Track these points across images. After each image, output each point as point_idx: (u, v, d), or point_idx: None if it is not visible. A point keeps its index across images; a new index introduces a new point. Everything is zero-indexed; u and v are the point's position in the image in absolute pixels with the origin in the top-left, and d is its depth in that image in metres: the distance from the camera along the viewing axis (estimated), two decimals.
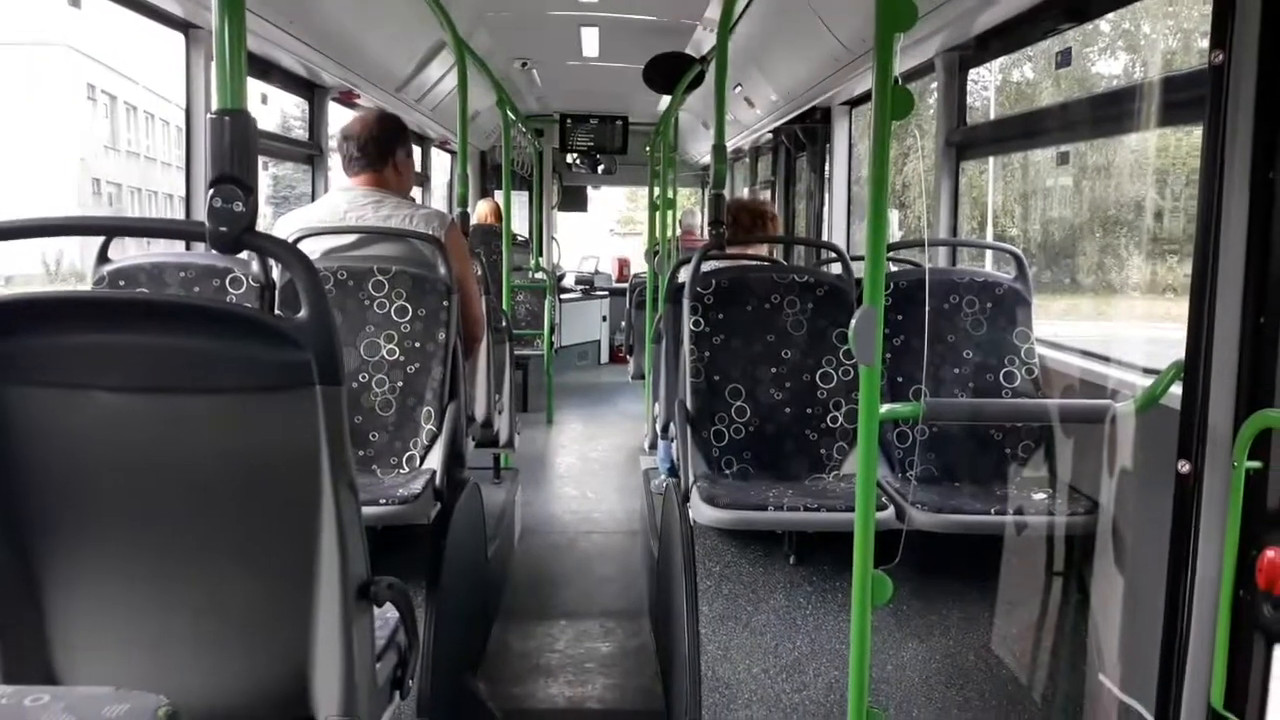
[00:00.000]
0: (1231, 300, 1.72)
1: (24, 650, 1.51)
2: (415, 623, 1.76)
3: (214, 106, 1.44)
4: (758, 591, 3.00)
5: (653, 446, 4.58)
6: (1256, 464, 1.67)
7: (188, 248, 3.36)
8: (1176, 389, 1.89)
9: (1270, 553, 1.62)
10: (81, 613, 1.51)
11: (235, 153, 1.41)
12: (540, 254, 8.81)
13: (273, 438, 1.43)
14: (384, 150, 3.13)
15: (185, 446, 1.43)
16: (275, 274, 3.03)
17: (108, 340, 1.39)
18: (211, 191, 1.40)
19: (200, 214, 1.42)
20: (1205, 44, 1.75)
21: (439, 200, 8.21)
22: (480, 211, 7.88)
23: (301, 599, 1.47)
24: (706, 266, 3.36)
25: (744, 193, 9.36)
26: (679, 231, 7.30)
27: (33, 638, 1.50)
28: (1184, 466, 1.79)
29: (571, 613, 4.03)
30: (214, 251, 1.45)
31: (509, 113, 6.44)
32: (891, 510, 2.73)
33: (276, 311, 2.88)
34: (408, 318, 2.97)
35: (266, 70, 4.31)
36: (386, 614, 1.78)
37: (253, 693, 1.54)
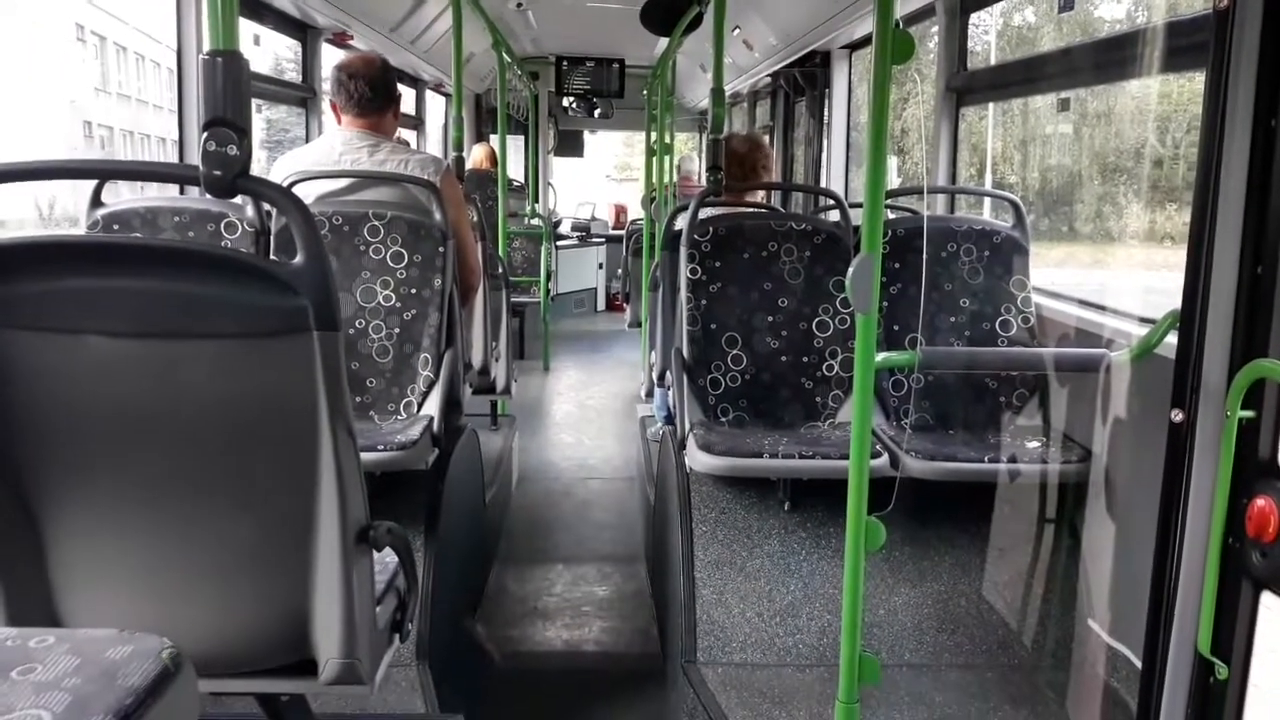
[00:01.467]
0: (1229, 250, 1.71)
1: (28, 593, 1.52)
2: (414, 567, 1.77)
3: (205, 48, 1.42)
4: (752, 537, 3.03)
5: (649, 394, 4.59)
6: (1249, 413, 1.68)
7: (181, 191, 3.33)
8: (1172, 338, 1.90)
9: (1260, 501, 1.64)
10: (83, 557, 1.52)
11: (228, 95, 1.39)
12: (536, 200, 8.75)
13: (270, 383, 1.43)
14: (390, 95, 3.10)
15: (182, 392, 1.43)
16: (271, 219, 3.01)
17: (103, 285, 1.38)
18: (205, 135, 1.38)
19: (194, 158, 1.41)
20: None
21: (434, 144, 8.13)
22: (476, 156, 7.81)
23: (301, 543, 1.49)
24: (704, 213, 3.34)
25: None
26: (676, 178, 7.25)
27: (36, 581, 1.52)
28: (1177, 415, 1.79)
29: (568, 557, 4.07)
30: (208, 196, 1.44)
31: (504, 55, 6.35)
32: (886, 458, 2.75)
33: (272, 256, 2.87)
34: (404, 264, 2.96)
35: (259, 10, 4.25)
36: (386, 558, 1.79)
37: (254, 636, 1.56)
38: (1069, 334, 3.07)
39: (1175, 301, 1.85)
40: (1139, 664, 1.84)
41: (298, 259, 1.39)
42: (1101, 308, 3.00)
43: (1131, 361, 2.24)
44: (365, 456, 1.59)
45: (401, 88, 3.42)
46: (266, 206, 3.01)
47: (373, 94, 3.06)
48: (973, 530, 2.98)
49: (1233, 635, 1.73)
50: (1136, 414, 2.33)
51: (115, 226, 2.97)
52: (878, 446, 2.77)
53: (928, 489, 2.77)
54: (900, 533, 2.96)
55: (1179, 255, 1.83)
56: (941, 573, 2.92)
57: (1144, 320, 2.63)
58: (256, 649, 1.57)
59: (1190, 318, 1.77)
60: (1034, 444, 2.97)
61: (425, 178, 3.02)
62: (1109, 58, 2.95)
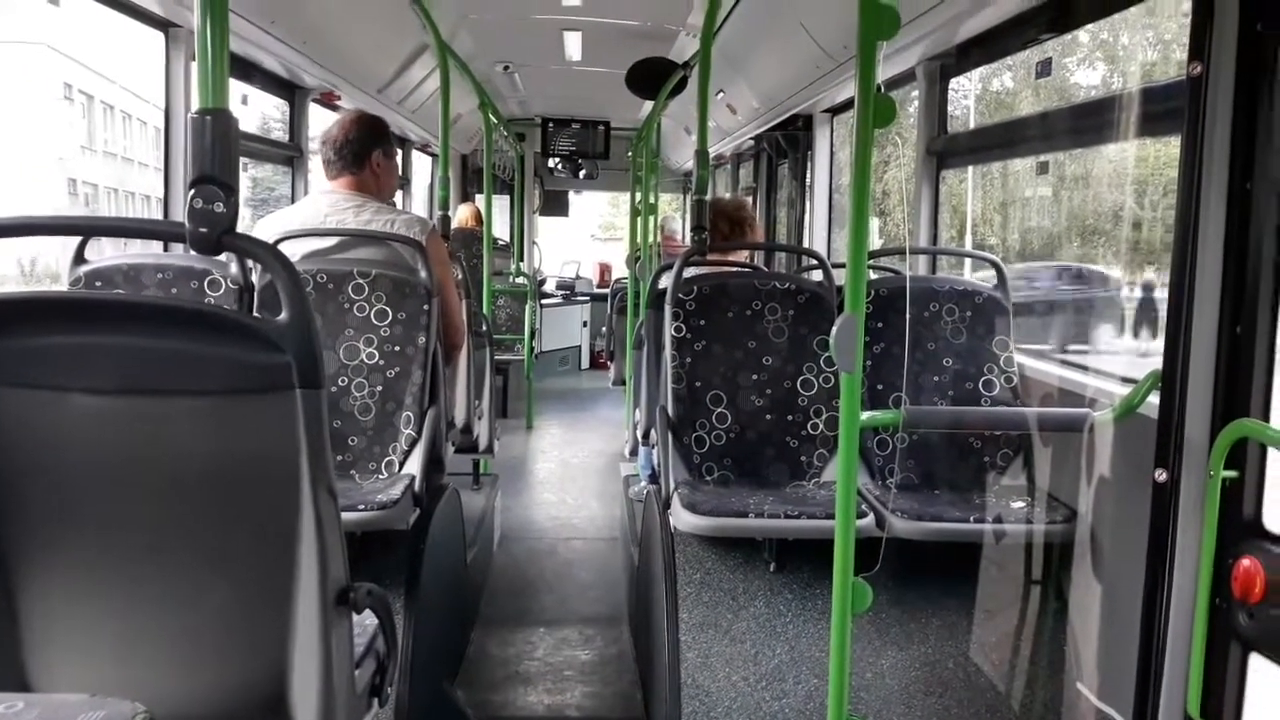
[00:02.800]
0: (1209, 310, 1.73)
1: None
2: (394, 629, 1.74)
3: (194, 106, 1.42)
4: (738, 599, 3.00)
5: (633, 453, 4.58)
6: (1232, 473, 1.68)
7: (165, 249, 3.33)
8: (1154, 398, 1.91)
9: (1246, 561, 1.63)
10: (57, 617, 1.49)
11: (216, 153, 1.39)
12: (521, 258, 8.80)
13: (252, 441, 1.42)
14: (360, 153, 3.11)
15: (164, 449, 1.42)
16: (254, 276, 3.01)
17: (86, 341, 1.37)
18: (192, 192, 1.38)
19: (179, 215, 1.41)
20: (1183, 55, 1.77)
21: (420, 203, 8.18)
22: (461, 215, 7.86)
23: (280, 604, 1.46)
24: (688, 272, 3.36)
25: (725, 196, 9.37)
26: (660, 237, 7.31)
27: (6, 642, 1.48)
28: (1161, 475, 1.80)
29: (551, 620, 4.02)
30: (192, 253, 1.44)
31: (491, 116, 6.42)
32: (871, 518, 2.74)
33: (255, 313, 2.86)
34: (388, 321, 2.96)
35: (247, 71, 4.29)
36: (365, 620, 1.76)
37: (231, 699, 1.52)
38: (1052, 394, 3.08)
39: (1156, 362, 1.87)
40: None
41: (282, 316, 1.38)
42: (1084, 368, 3.02)
43: (1114, 421, 2.25)
44: (346, 516, 1.57)
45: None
46: (250, 263, 3.01)
47: (337, 156, 3.11)
48: (959, 591, 2.95)
49: (1222, 697, 1.72)
50: (1120, 474, 2.33)
51: (98, 283, 2.96)
52: (863, 506, 2.75)
53: (914, 549, 2.75)
54: (887, 594, 2.94)
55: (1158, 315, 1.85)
56: (929, 635, 2.89)
57: (1126, 380, 2.65)
58: (232, 711, 1.53)
59: (1172, 378, 1.78)
60: (1019, 504, 2.96)
61: (411, 236, 3.04)
62: (1086, 123, 3.01)
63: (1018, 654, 2.79)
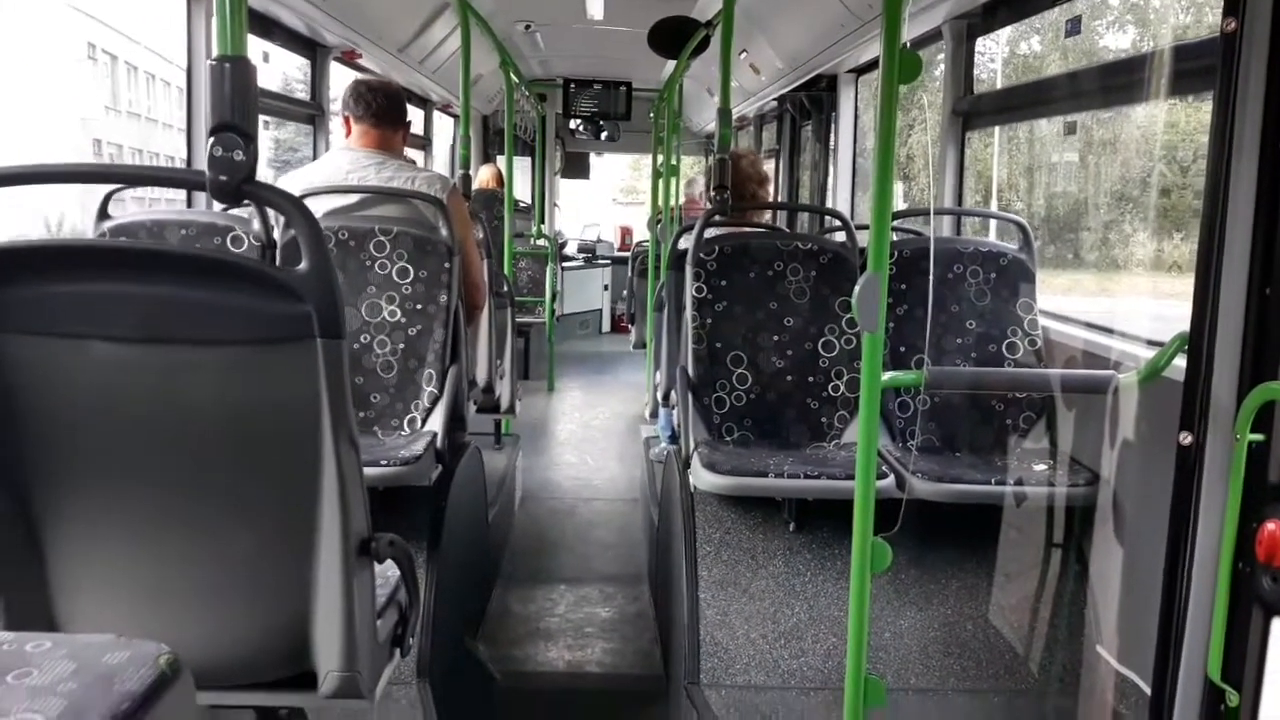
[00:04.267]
0: (1237, 272, 1.71)
1: (26, 598, 1.51)
2: (416, 581, 1.76)
3: (214, 54, 1.42)
4: (757, 558, 3.01)
5: (653, 415, 4.59)
6: (1259, 436, 1.66)
7: (189, 204, 3.34)
8: (1180, 361, 1.88)
9: (1270, 525, 1.62)
10: (83, 562, 1.51)
11: (235, 100, 1.39)
12: (542, 221, 8.78)
13: (273, 390, 1.42)
14: (395, 116, 3.13)
15: (185, 398, 1.42)
16: (276, 232, 3.02)
17: (107, 289, 1.38)
18: (212, 140, 1.38)
19: (201, 165, 1.41)
20: (1216, 18, 1.73)
21: (441, 163, 8.16)
22: (482, 176, 7.84)
23: (302, 553, 1.47)
24: (709, 233, 3.34)
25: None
26: (682, 200, 7.27)
27: (35, 586, 1.51)
28: (1185, 438, 1.78)
29: (572, 578, 4.05)
30: (216, 209, 1.44)
31: (512, 76, 6.38)
32: (892, 479, 2.74)
33: None
34: (409, 279, 2.96)
35: (268, 28, 4.27)
36: (388, 572, 1.78)
37: (254, 645, 1.55)
38: (1076, 357, 3.06)
39: (1181, 328, 1.85)
40: (1148, 690, 1.82)
41: (302, 265, 1.38)
42: (1109, 330, 2.99)
43: (1139, 384, 2.23)
44: (368, 471, 1.58)
45: (410, 108, 3.45)
46: (272, 219, 3.02)
47: (389, 106, 3.08)
48: (979, 553, 2.95)
49: (1244, 662, 1.71)
50: (1144, 437, 2.31)
51: (122, 239, 2.98)
52: (883, 467, 2.75)
53: (934, 511, 2.75)
54: (906, 555, 2.94)
55: (1185, 284, 1.82)
56: (948, 596, 2.90)
57: (1151, 343, 2.62)
58: (256, 661, 1.55)
59: (1199, 340, 1.76)
60: (1041, 467, 2.95)
61: (432, 194, 3.03)
62: (1115, 82, 2.96)
63: (1037, 616, 2.79)
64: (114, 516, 1.48)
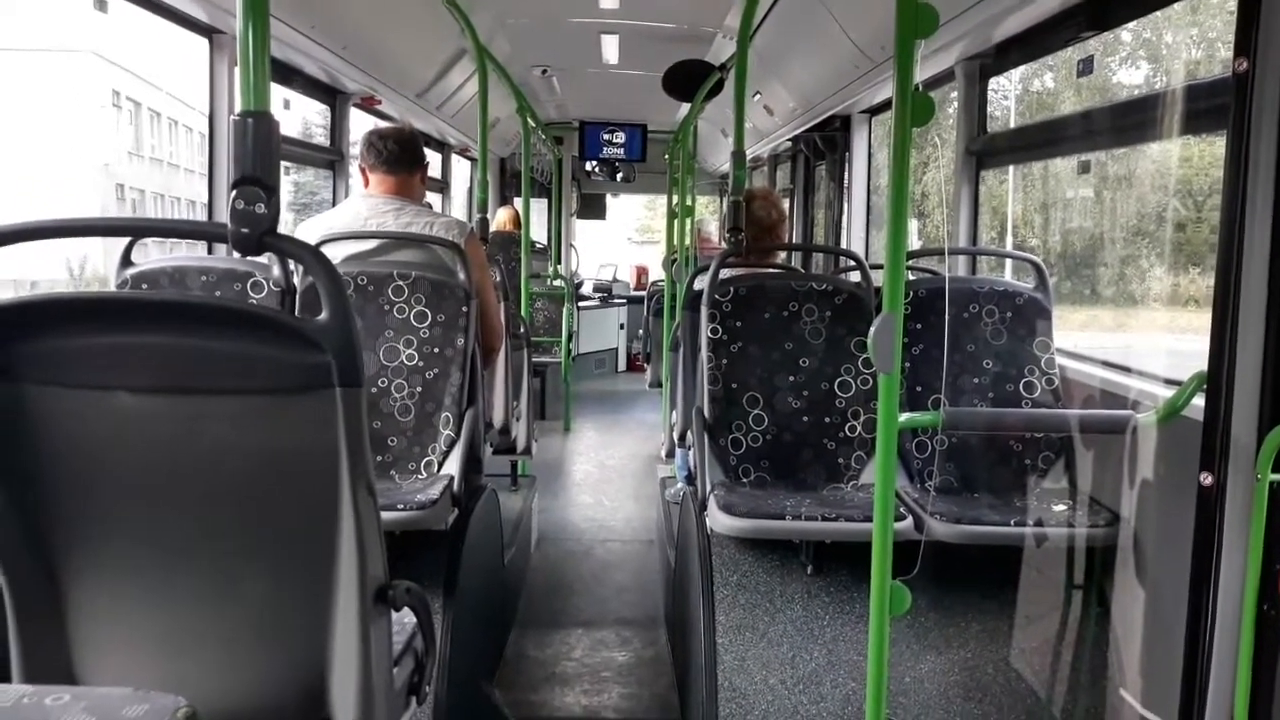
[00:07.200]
0: (1255, 311, 1.70)
1: (45, 650, 1.51)
2: (433, 628, 1.76)
3: (237, 109, 1.45)
4: (775, 601, 2.99)
5: (669, 455, 4.57)
6: (1279, 477, 1.65)
7: (209, 251, 3.38)
8: (1199, 400, 1.87)
9: None
10: (102, 613, 1.51)
11: (258, 154, 1.41)
12: (559, 261, 8.83)
13: (293, 439, 1.43)
14: (417, 158, 3.17)
15: (205, 447, 1.44)
16: (296, 278, 3.05)
17: (131, 341, 1.39)
18: (234, 193, 1.40)
19: (223, 217, 1.43)
20: (1229, 54, 1.74)
21: (459, 207, 8.24)
22: (499, 219, 7.90)
23: (320, 602, 1.47)
24: (725, 273, 3.36)
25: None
26: (697, 239, 7.30)
27: (54, 638, 1.51)
28: (1206, 479, 1.77)
29: (588, 621, 4.03)
30: (236, 255, 1.46)
31: (529, 120, 6.45)
32: (910, 520, 2.72)
33: (297, 315, 2.90)
34: (427, 323, 2.98)
35: (289, 76, 4.35)
36: (404, 619, 1.78)
37: (271, 695, 1.54)
38: (1094, 396, 3.04)
39: (1198, 363, 1.84)
40: None
41: (323, 315, 1.40)
42: (1126, 369, 2.98)
43: (1158, 423, 2.21)
44: (385, 515, 1.59)
45: (428, 152, 3.49)
46: (292, 265, 3.05)
47: (401, 152, 3.13)
48: (1000, 595, 2.92)
49: (1270, 705, 1.68)
50: (1164, 477, 2.29)
51: (144, 285, 3.02)
52: (901, 509, 2.73)
53: (953, 552, 2.73)
54: (925, 598, 2.91)
55: (1201, 318, 1.82)
56: (968, 639, 2.86)
57: (1170, 382, 2.61)
58: (272, 707, 1.55)
59: (1217, 379, 1.75)
60: (1060, 507, 2.92)
61: (450, 239, 3.06)
62: (1129, 120, 2.97)
63: (1059, 659, 2.76)
64: (133, 567, 1.49)
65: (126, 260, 3.03)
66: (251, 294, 3.08)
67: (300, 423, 1.42)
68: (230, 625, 1.52)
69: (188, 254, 3.26)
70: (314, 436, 1.41)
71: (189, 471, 1.45)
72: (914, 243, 7.70)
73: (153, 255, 3.19)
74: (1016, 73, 4.95)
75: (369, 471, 1.45)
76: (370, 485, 1.46)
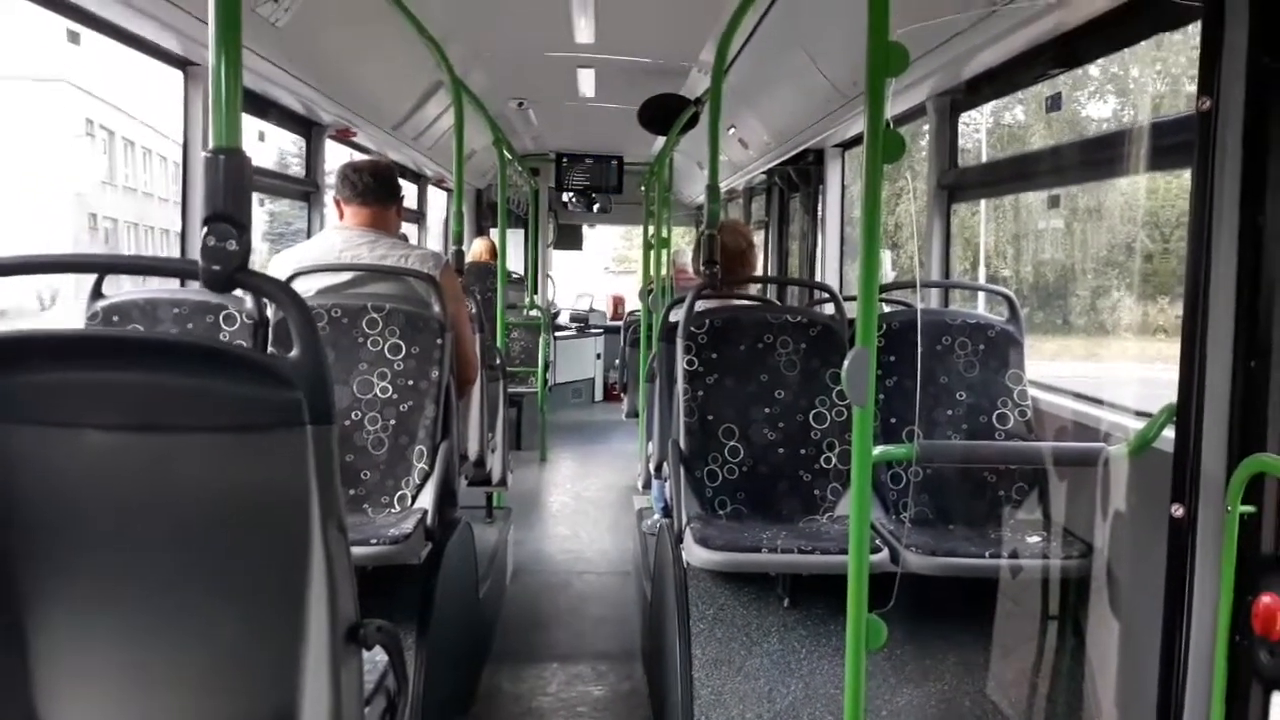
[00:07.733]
0: (1223, 344, 1.72)
1: (9, 690, 1.48)
2: (405, 666, 1.73)
3: (210, 144, 1.44)
4: (751, 635, 2.98)
5: (646, 486, 4.56)
6: (1250, 508, 1.66)
7: (182, 283, 3.36)
8: (1169, 432, 1.89)
9: (1266, 598, 1.61)
10: (66, 653, 1.49)
11: (229, 191, 1.41)
12: (535, 291, 8.83)
13: (263, 477, 1.42)
14: (393, 191, 3.18)
15: (175, 485, 1.42)
16: (269, 311, 3.03)
17: (99, 378, 1.38)
18: (205, 230, 1.40)
19: (196, 251, 1.42)
20: (1193, 89, 1.77)
21: (435, 238, 8.24)
22: (476, 249, 7.91)
23: (289, 641, 1.45)
24: (700, 305, 3.37)
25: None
26: (673, 270, 7.33)
27: (16, 677, 1.48)
28: (1177, 510, 1.78)
29: (564, 655, 3.99)
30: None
31: (505, 152, 6.48)
32: (886, 553, 2.72)
33: (270, 349, 2.88)
34: (401, 355, 2.97)
35: (264, 107, 4.34)
36: (375, 657, 1.75)
37: None
38: (1066, 427, 3.06)
39: (1171, 393, 1.86)
40: None
41: (293, 352, 1.39)
42: (1098, 401, 3.00)
43: (1129, 456, 2.23)
44: (356, 550, 1.57)
45: (403, 183, 3.49)
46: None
47: (376, 185, 3.13)
48: (975, 628, 2.92)
49: None
50: (1136, 508, 2.31)
51: (115, 318, 2.99)
52: (877, 541, 2.73)
53: (929, 585, 2.73)
54: (902, 630, 2.90)
55: (1172, 347, 1.84)
56: (945, 671, 2.86)
57: (1140, 414, 2.63)
58: None
59: (1187, 412, 1.76)
60: (1034, 539, 2.94)
61: (425, 271, 3.06)
62: (1097, 156, 3.01)
63: (1035, 691, 2.75)
64: (99, 604, 1.47)
65: (97, 292, 3.01)
66: (224, 327, 3.05)
67: (271, 460, 1.41)
68: (198, 665, 1.49)
69: (160, 286, 3.24)
70: (285, 474, 1.40)
71: (158, 509, 1.43)
72: (888, 273, 7.76)
73: (125, 287, 3.16)
74: (988, 107, 5.02)
75: (340, 509, 1.44)
76: (341, 523, 1.44)
